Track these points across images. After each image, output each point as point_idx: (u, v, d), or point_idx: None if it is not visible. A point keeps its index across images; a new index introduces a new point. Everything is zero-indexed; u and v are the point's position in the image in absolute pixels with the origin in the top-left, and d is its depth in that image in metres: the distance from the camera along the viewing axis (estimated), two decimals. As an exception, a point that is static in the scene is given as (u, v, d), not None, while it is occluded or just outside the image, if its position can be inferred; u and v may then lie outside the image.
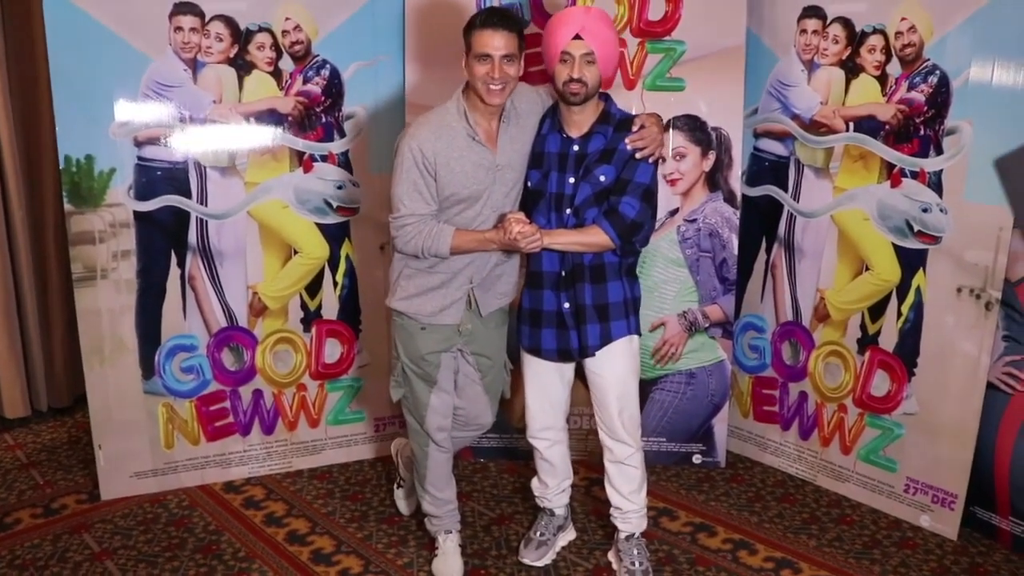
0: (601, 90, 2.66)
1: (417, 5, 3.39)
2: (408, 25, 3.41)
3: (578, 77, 2.51)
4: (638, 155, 2.60)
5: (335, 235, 3.56)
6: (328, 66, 3.41)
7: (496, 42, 2.47)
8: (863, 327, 3.39)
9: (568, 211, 2.61)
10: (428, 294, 2.68)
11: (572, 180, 2.60)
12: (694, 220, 3.52)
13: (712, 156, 3.48)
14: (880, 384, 3.36)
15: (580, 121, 2.63)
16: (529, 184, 2.70)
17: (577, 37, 2.52)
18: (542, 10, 3.40)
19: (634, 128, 2.62)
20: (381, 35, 3.44)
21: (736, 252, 3.55)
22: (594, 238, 2.58)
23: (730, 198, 3.52)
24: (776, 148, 3.58)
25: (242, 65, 3.33)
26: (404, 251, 2.61)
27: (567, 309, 2.72)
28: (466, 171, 2.56)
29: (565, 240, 2.57)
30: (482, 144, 2.55)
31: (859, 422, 3.45)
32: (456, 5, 3.30)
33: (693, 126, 3.46)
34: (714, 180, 3.51)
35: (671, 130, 3.44)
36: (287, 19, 3.35)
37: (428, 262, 2.62)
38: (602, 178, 2.60)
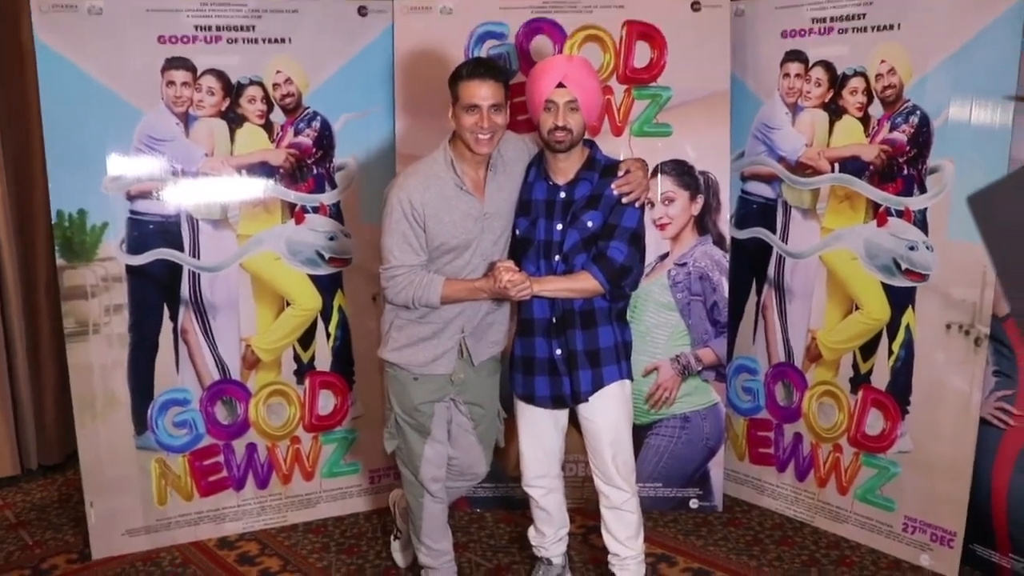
0: (586, 137, 2.69)
1: (406, 57, 3.40)
2: (397, 76, 3.42)
3: (562, 125, 2.53)
4: (624, 199, 2.61)
5: (327, 286, 3.54)
6: (319, 118, 3.42)
7: (483, 92, 2.48)
8: (855, 366, 3.38)
9: (557, 258, 2.63)
10: (420, 344, 2.68)
11: (560, 227, 2.62)
12: (684, 264, 3.52)
13: (700, 200, 3.49)
14: (874, 423, 3.35)
15: (566, 168, 2.65)
16: (517, 232, 2.71)
17: (560, 85, 2.54)
18: (529, 59, 3.40)
19: (619, 173, 2.63)
20: (371, 87, 3.45)
21: (727, 295, 3.54)
22: (583, 284, 2.59)
23: (719, 241, 3.52)
24: (763, 190, 3.58)
25: (234, 118, 3.34)
26: (395, 302, 2.61)
27: (559, 355, 2.72)
28: (455, 221, 2.57)
29: (555, 287, 2.58)
30: (470, 193, 2.56)
31: (855, 462, 3.43)
32: (443, 56, 3.32)
33: (681, 171, 3.47)
34: (703, 224, 3.52)
35: (659, 175, 3.45)
36: (278, 72, 3.36)
37: (419, 312, 2.62)
38: (589, 224, 2.61)
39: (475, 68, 2.50)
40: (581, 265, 2.58)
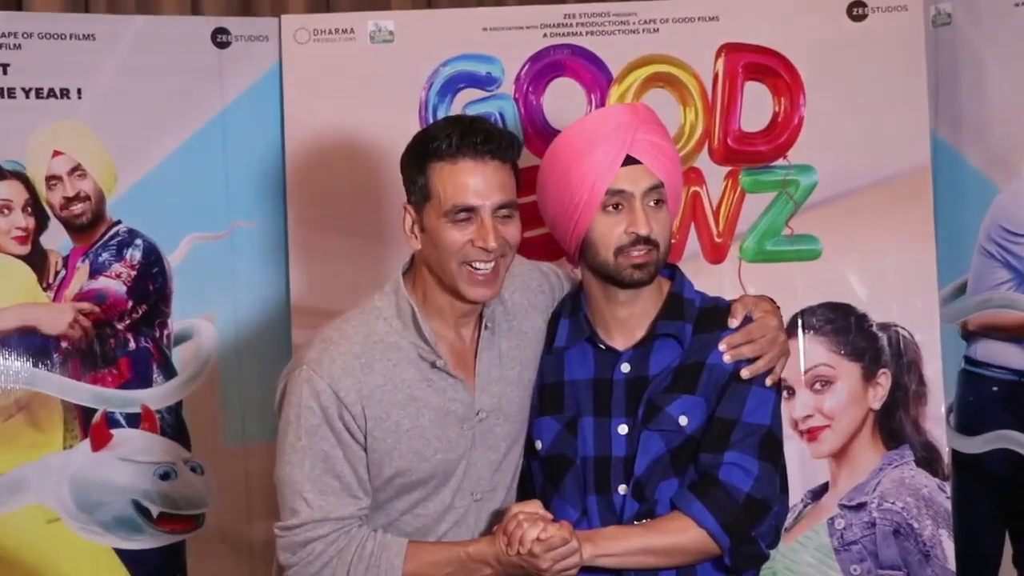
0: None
1: (307, 124, 2.75)
2: (290, 162, 2.73)
3: (646, 235, 2.07)
4: (745, 373, 2.11)
5: (155, 572, 2.74)
6: (139, 242, 2.70)
7: (485, 182, 1.99)
8: None
9: (622, 489, 2.14)
10: None
11: (625, 429, 2.14)
12: (861, 506, 2.76)
13: (885, 380, 2.75)
14: None
15: (632, 318, 2.15)
16: (539, 445, 2.21)
17: (631, 160, 2.08)
18: (540, 124, 2.73)
19: (731, 322, 2.15)
20: (240, 182, 2.75)
21: (953, 566, 2.72)
22: (677, 538, 2.08)
23: (929, 458, 2.76)
24: (1010, 356, 2.83)
25: None
26: None
27: None
28: (422, 428, 2.07)
29: (624, 547, 2.07)
30: (449, 375, 2.08)
31: None
32: (379, 121, 2.71)
33: (843, 325, 2.76)
34: (893, 426, 2.78)
35: (800, 334, 2.71)
36: (56, 154, 2.63)
37: None
38: (683, 420, 2.12)
39: (466, 137, 2.00)
40: (670, 501, 2.10)
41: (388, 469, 2.07)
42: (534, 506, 2.04)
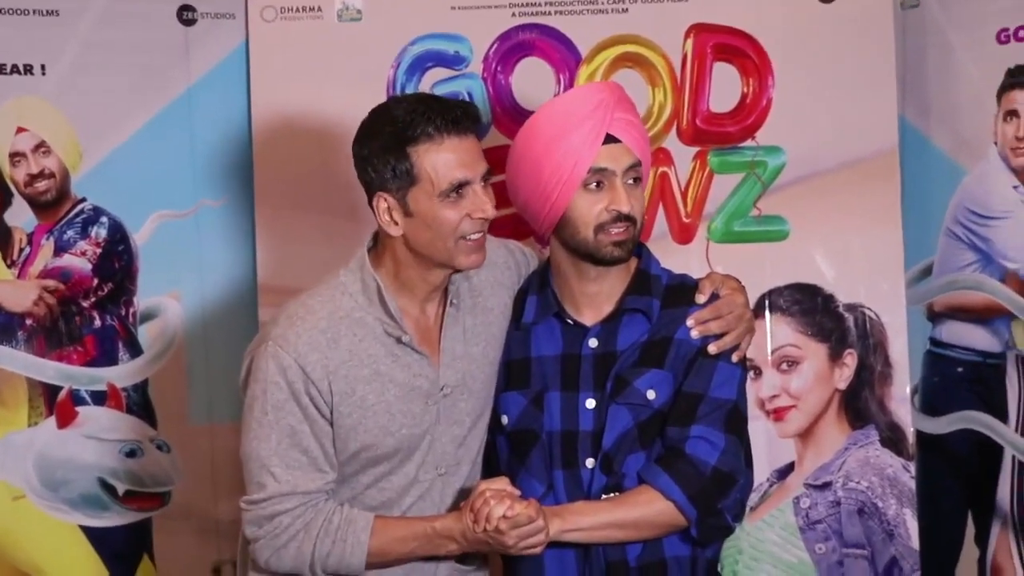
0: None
1: (273, 104, 2.75)
2: (257, 140, 2.73)
3: (628, 212, 2.13)
4: (712, 348, 2.17)
5: (121, 549, 2.72)
6: (105, 220, 2.70)
7: (472, 155, 2.07)
8: None
9: (590, 463, 2.18)
10: None
11: (593, 403, 2.18)
12: (827, 485, 2.80)
13: (851, 360, 2.77)
14: None
15: (601, 294, 2.20)
16: (504, 420, 2.23)
17: (612, 139, 2.11)
18: (509, 103, 2.74)
19: (699, 298, 2.21)
20: (207, 160, 2.76)
21: (917, 544, 2.75)
22: (644, 511, 2.13)
23: (894, 440, 2.79)
24: (975, 338, 2.87)
25: None
26: (275, 567, 2.10)
27: None
28: (388, 403, 2.10)
29: (592, 521, 2.12)
30: (414, 350, 2.12)
31: None
32: (346, 102, 2.63)
33: (809, 306, 2.79)
34: (858, 406, 2.80)
35: (768, 315, 2.73)
36: (20, 131, 2.62)
37: None
38: (650, 394, 2.16)
39: (446, 115, 2.05)
40: (637, 474, 2.15)
41: (354, 444, 2.13)
42: (501, 483, 2.08)
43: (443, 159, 2.04)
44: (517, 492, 2.10)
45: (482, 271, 2.24)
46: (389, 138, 2.04)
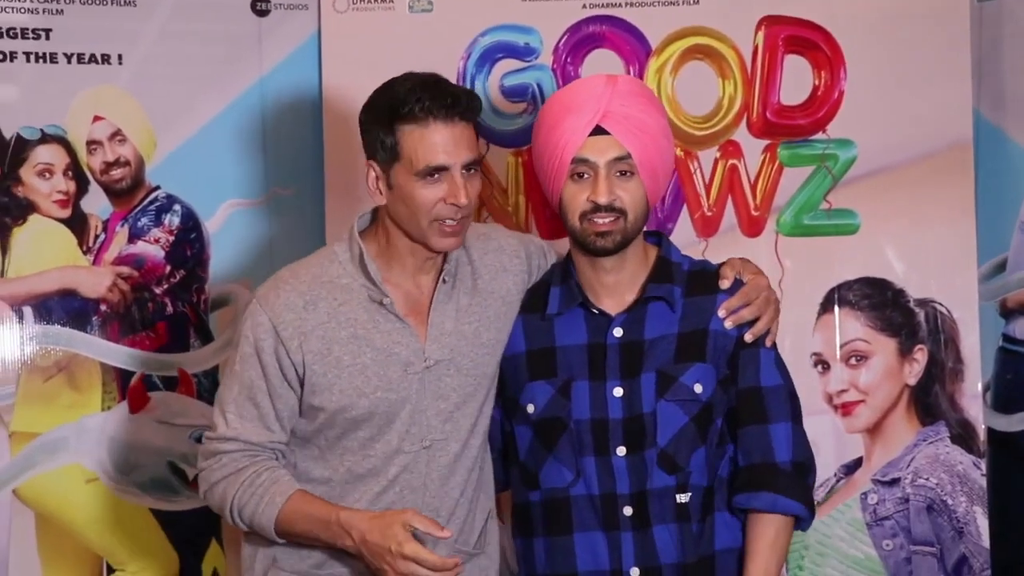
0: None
1: (345, 93, 2.70)
2: (328, 131, 2.77)
3: (607, 203, 2.14)
4: (748, 337, 2.20)
5: (191, 533, 2.78)
6: (178, 208, 2.75)
7: (456, 142, 2.10)
8: None
9: (620, 451, 2.19)
10: None
11: (620, 391, 2.21)
12: (895, 481, 2.79)
13: (921, 356, 2.76)
14: None
15: (619, 283, 2.23)
16: (531, 409, 2.24)
17: (599, 130, 2.15)
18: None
19: (723, 283, 2.24)
20: (278, 149, 2.82)
21: (987, 543, 2.72)
22: (781, 540, 2.19)
23: (965, 436, 2.77)
24: None
25: (8, 206, 2.65)
26: (208, 502, 2.23)
27: None
28: (363, 366, 2.16)
29: None
30: (397, 317, 2.18)
31: None
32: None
33: (880, 300, 2.77)
34: (929, 402, 2.79)
35: (836, 308, 2.73)
36: (97, 119, 2.67)
37: (312, 558, 2.17)
38: (698, 388, 2.18)
39: (435, 100, 2.10)
40: (736, 503, 2.18)
41: (329, 403, 2.16)
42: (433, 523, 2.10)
43: (425, 142, 2.09)
44: (448, 534, 2.12)
45: (488, 255, 2.30)
46: (384, 111, 2.11)
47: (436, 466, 2.20)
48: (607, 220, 2.17)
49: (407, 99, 2.08)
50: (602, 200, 2.15)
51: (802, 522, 2.19)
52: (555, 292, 2.29)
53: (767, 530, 2.18)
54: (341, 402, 2.16)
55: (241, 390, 2.18)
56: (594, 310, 2.26)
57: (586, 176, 2.18)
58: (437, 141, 2.09)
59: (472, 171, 2.17)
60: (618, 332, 2.24)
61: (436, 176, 2.10)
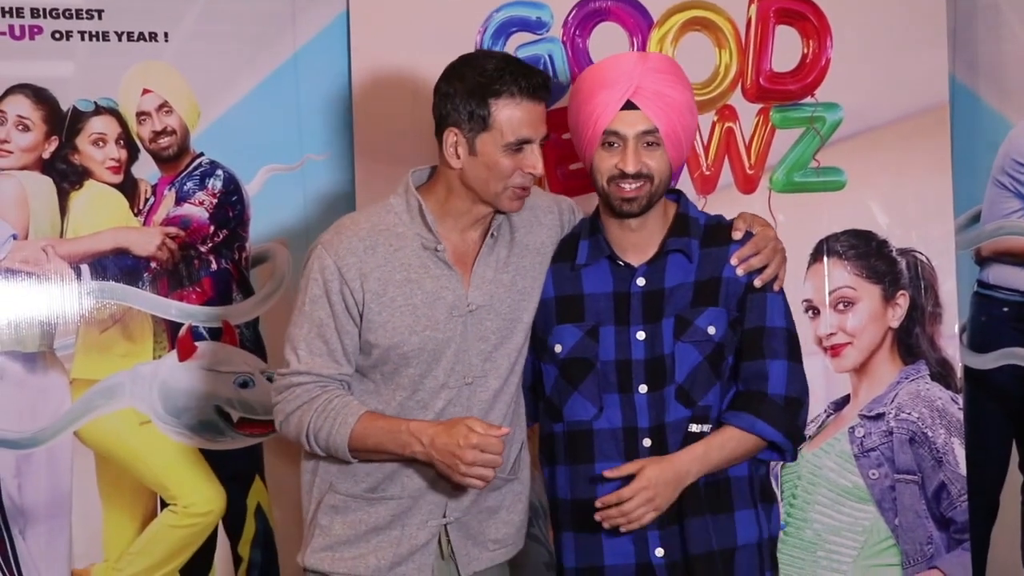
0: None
1: (372, 66, 2.86)
2: (357, 101, 2.88)
3: (634, 171, 2.23)
4: (757, 282, 2.31)
5: (236, 471, 2.92)
6: (220, 173, 2.87)
7: (540, 119, 2.24)
8: None
9: (643, 388, 2.30)
10: (368, 539, 2.28)
11: (643, 335, 2.33)
12: (880, 416, 2.92)
13: (903, 301, 2.91)
14: None
15: (642, 238, 2.34)
16: (559, 350, 2.36)
17: (630, 105, 2.24)
18: (586, 66, 2.77)
19: (736, 235, 2.35)
20: (312, 118, 2.94)
21: (964, 470, 2.88)
22: (742, 449, 2.26)
23: (943, 374, 2.93)
24: (1020, 280, 3.01)
25: (66, 173, 2.78)
26: (284, 432, 2.30)
27: (660, 561, 2.28)
28: (414, 307, 2.27)
29: (700, 469, 2.25)
30: (447, 264, 2.29)
31: None
32: (438, 63, 2.67)
33: (865, 250, 2.92)
34: (910, 344, 2.95)
35: (825, 258, 2.87)
36: (146, 92, 2.79)
37: (367, 482, 2.27)
38: (711, 330, 2.29)
39: (531, 80, 2.22)
40: (724, 419, 2.27)
41: (383, 339, 2.28)
42: (493, 428, 2.21)
43: (517, 116, 2.23)
44: (505, 430, 2.24)
45: (524, 211, 2.40)
46: (475, 85, 2.21)
47: (477, 400, 2.34)
48: (633, 187, 2.29)
49: (502, 77, 2.21)
50: (630, 169, 2.27)
51: (785, 453, 2.32)
52: (584, 245, 2.41)
53: (727, 433, 2.30)
54: (393, 339, 2.28)
55: (311, 328, 2.30)
56: (620, 262, 2.38)
57: (616, 145, 2.29)
58: (527, 117, 2.23)
59: (543, 144, 2.31)
60: (641, 282, 2.36)
61: (521, 148, 2.25)
